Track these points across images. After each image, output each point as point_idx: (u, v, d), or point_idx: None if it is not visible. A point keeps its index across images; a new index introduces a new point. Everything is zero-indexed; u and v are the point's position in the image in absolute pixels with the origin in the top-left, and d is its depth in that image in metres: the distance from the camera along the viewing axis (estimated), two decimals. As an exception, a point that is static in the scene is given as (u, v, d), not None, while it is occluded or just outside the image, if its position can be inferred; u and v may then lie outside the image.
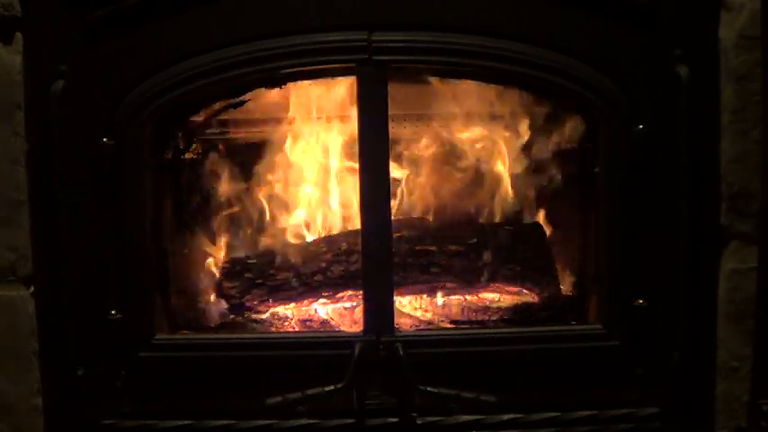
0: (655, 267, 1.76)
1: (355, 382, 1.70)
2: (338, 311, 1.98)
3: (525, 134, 2.03)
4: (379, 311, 1.77)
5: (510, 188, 2.06)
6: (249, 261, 2.01)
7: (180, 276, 1.96)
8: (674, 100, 1.71)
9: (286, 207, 2.10)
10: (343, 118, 1.98)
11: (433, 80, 1.89)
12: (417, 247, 1.97)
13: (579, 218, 1.94)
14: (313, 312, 1.98)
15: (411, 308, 1.99)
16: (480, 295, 2.00)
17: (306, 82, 1.88)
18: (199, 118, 1.95)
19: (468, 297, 1.99)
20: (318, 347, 1.78)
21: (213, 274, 2.04)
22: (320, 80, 1.88)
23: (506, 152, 2.05)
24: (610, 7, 1.72)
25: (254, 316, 1.95)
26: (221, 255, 2.07)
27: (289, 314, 1.97)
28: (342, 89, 1.93)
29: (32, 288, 1.78)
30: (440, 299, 2.00)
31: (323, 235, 2.07)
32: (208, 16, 1.73)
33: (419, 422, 1.76)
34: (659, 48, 1.73)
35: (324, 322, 1.95)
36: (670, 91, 1.72)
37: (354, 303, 1.96)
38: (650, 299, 1.76)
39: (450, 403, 1.72)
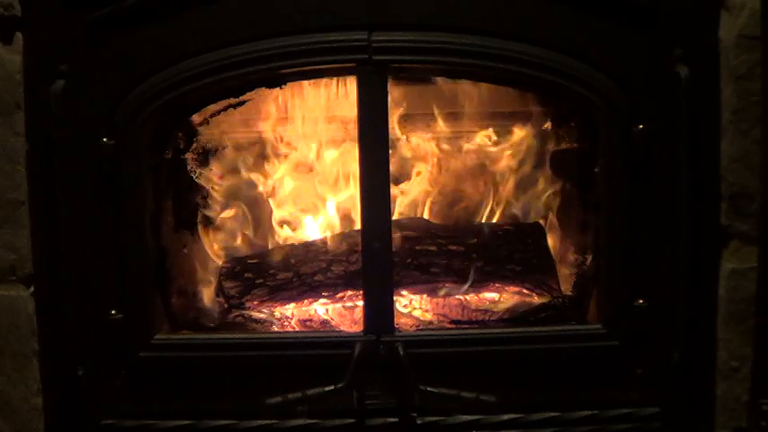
0: (655, 267, 1.77)
1: (355, 382, 1.70)
2: (338, 311, 1.98)
3: (525, 134, 2.03)
4: (379, 311, 1.77)
5: (510, 188, 2.07)
6: (249, 261, 2.01)
7: (180, 276, 1.96)
8: (674, 100, 1.71)
9: (286, 207, 2.10)
10: (344, 118, 1.98)
11: (431, 80, 1.90)
12: (417, 247, 1.97)
13: (579, 218, 1.94)
14: (313, 312, 1.98)
15: (411, 308, 1.99)
16: (480, 295, 2.00)
17: (306, 82, 1.89)
18: (199, 118, 1.94)
19: (468, 297, 1.99)
20: (318, 347, 1.78)
21: (213, 274, 2.04)
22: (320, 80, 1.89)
23: (507, 152, 2.06)
24: (610, 7, 1.72)
25: (254, 316, 1.95)
26: (221, 255, 2.07)
27: (289, 314, 1.97)
28: (342, 90, 1.94)
29: (32, 288, 1.78)
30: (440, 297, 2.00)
31: (323, 235, 2.07)
32: (208, 16, 1.73)
33: (419, 422, 1.76)
34: (659, 48, 1.73)
35: (324, 322, 1.95)
36: (670, 91, 1.72)
37: (354, 303, 1.96)
38: (650, 299, 1.76)
39: (450, 403, 1.72)
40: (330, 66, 1.77)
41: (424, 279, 1.96)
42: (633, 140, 1.73)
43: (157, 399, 1.80)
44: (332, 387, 1.67)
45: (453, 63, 1.76)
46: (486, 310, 1.96)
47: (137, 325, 1.78)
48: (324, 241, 2.02)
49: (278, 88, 1.86)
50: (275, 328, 1.93)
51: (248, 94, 1.87)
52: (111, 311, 1.77)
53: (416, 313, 1.98)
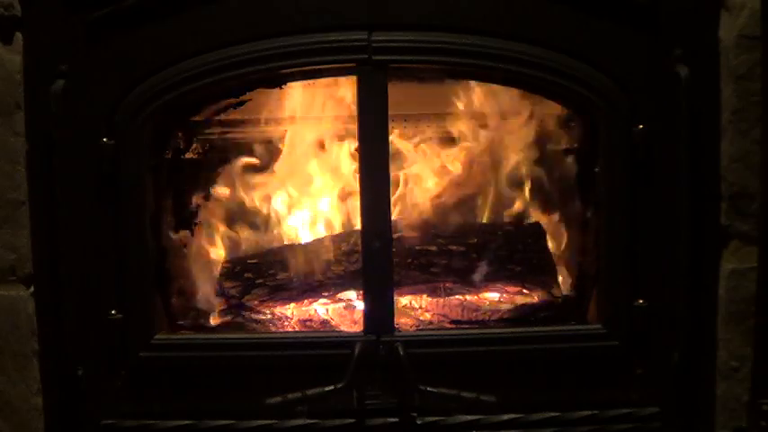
0: (655, 267, 1.77)
1: (355, 382, 1.70)
2: (338, 311, 1.98)
3: (525, 133, 2.03)
4: (379, 311, 1.77)
5: (510, 188, 2.07)
6: (249, 261, 2.01)
7: (180, 276, 1.96)
8: (674, 100, 1.71)
9: (287, 207, 2.10)
10: (343, 118, 1.98)
11: (433, 80, 1.90)
12: (417, 247, 1.97)
13: (579, 218, 1.94)
14: (313, 312, 1.98)
15: (411, 308, 1.99)
16: (480, 295, 2.00)
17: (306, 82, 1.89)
18: (199, 118, 1.94)
19: (468, 297, 1.99)
20: (318, 347, 1.78)
21: (213, 274, 2.04)
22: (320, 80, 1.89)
23: (507, 151, 2.06)
24: (610, 7, 1.72)
25: (254, 316, 1.95)
26: (221, 255, 2.07)
27: (289, 314, 1.97)
28: (342, 89, 1.93)
29: (32, 288, 1.78)
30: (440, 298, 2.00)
31: (323, 235, 2.07)
32: (207, 16, 1.73)
33: (419, 422, 1.76)
34: (659, 48, 1.73)
35: (324, 322, 1.95)
36: (670, 91, 1.72)
37: (354, 303, 1.96)
38: (650, 299, 1.76)
39: (450, 403, 1.72)
40: (330, 66, 1.76)
41: (424, 279, 1.96)
42: (633, 140, 1.73)
43: (157, 399, 1.80)
44: (332, 387, 1.67)
45: (453, 63, 1.76)
46: (486, 310, 1.96)
47: (137, 325, 1.78)
48: (324, 241, 2.02)
49: (278, 88, 1.86)
50: (275, 328, 1.93)
51: (248, 94, 1.87)
52: (111, 311, 1.77)
53: (416, 313, 1.98)
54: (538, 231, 2.03)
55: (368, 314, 1.77)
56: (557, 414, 1.78)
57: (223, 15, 1.73)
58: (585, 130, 1.88)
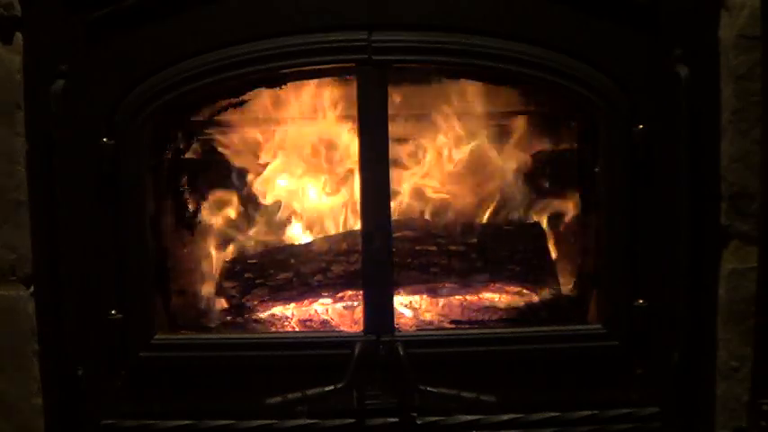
0: (655, 267, 1.77)
1: (355, 382, 1.70)
2: (338, 311, 1.98)
3: (525, 133, 2.03)
4: (379, 311, 1.77)
5: (510, 188, 2.07)
6: (249, 261, 2.01)
7: (180, 276, 1.96)
8: (674, 100, 1.71)
9: (286, 206, 2.10)
10: (343, 117, 1.98)
11: (433, 80, 1.90)
12: (417, 247, 1.97)
13: (579, 218, 1.94)
14: (313, 312, 1.98)
15: (411, 308, 1.99)
16: (480, 295, 2.00)
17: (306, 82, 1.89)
18: (199, 118, 1.94)
19: (468, 297, 1.99)
20: (318, 347, 1.78)
21: (213, 274, 2.04)
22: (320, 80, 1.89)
23: (506, 151, 2.06)
24: (610, 7, 1.72)
25: (254, 316, 1.95)
26: (221, 255, 2.07)
27: (289, 314, 1.97)
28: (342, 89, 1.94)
29: (32, 288, 1.78)
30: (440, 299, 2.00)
31: (323, 235, 2.07)
32: (208, 16, 1.73)
33: (419, 422, 1.76)
34: (659, 48, 1.73)
35: (324, 322, 1.95)
36: (670, 91, 1.72)
37: (354, 303, 1.96)
38: (650, 299, 1.76)
39: (450, 403, 1.72)
40: (330, 66, 1.77)
41: (424, 279, 1.96)
42: (633, 140, 1.73)
43: (157, 399, 1.80)
44: (332, 387, 1.67)
45: (453, 63, 1.76)
46: (486, 310, 1.96)
47: (137, 325, 1.78)
48: (324, 241, 2.02)
49: (278, 88, 1.86)
50: (275, 328, 1.93)
51: (248, 94, 1.87)
52: (111, 311, 1.77)
53: (416, 313, 1.98)
54: (538, 231, 2.03)
55: (368, 314, 1.77)
56: (557, 414, 1.78)
57: (223, 15, 1.73)
58: (585, 130, 1.87)
